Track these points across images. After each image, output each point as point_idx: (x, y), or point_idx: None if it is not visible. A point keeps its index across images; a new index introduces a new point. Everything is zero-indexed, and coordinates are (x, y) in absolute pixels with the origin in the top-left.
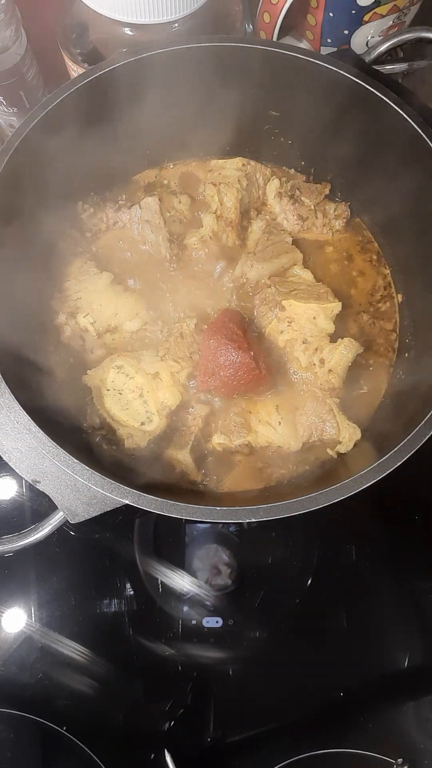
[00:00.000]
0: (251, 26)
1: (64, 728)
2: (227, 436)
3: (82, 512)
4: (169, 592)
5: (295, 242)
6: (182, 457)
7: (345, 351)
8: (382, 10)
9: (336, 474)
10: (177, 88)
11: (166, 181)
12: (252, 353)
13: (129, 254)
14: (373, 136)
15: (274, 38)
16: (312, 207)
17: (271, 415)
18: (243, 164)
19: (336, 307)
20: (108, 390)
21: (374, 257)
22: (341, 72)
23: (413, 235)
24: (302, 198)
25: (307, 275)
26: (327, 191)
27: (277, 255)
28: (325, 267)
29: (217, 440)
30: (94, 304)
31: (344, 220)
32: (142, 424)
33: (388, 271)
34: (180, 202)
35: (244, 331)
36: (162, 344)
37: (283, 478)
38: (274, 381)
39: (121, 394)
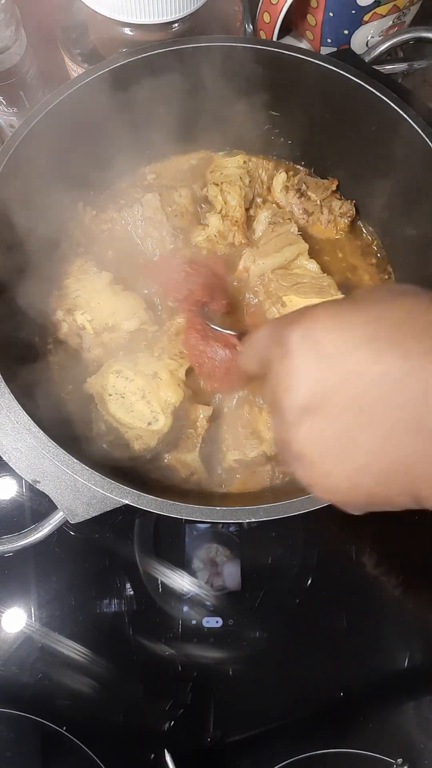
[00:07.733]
0: (251, 26)
1: (64, 728)
2: (241, 450)
3: (82, 512)
4: (169, 592)
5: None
6: (191, 460)
7: None
8: (382, 10)
9: None
10: (177, 88)
11: (164, 180)
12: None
13: (129, 253)
14: (373, 137)
15: (274, 38)
16: (318, 202)
17: None
18: (244, 161)
19: None
20: (110, 395)
21: (375, 260)
22: (341, 72)
23: (414, 235)
24: (309, 193)
25: (312, 265)
26: (334, 187)
27: (280, 248)
28: (327, 269)
29: (232, 457)
30: (93, 302)
31: (349, 219)
32: (149, 424)
33: (390, 271)
34: (180, 196)
35: (202, 323)
36: (156, 344)
37: (284, 478)
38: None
39: (123, 397)
